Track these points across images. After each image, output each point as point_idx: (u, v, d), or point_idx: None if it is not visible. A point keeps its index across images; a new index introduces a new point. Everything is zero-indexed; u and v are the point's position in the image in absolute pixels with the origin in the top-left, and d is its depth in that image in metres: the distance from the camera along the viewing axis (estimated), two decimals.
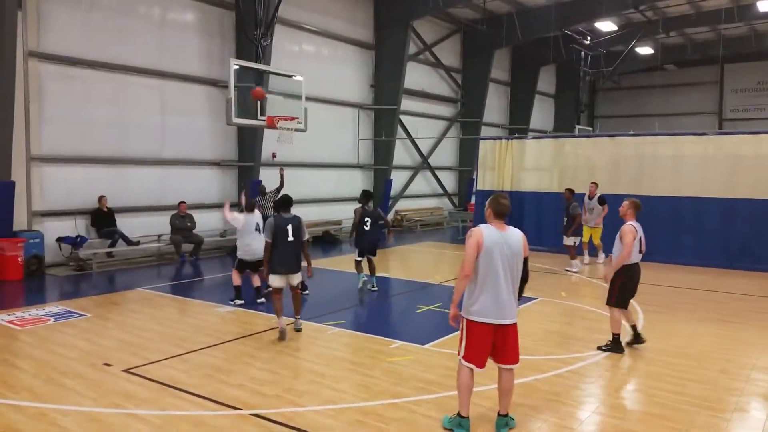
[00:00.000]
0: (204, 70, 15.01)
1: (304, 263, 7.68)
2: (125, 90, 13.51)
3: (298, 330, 7.80)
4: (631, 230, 6.86)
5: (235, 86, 11.60)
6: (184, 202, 13.96)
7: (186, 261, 13.72)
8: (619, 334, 7.03)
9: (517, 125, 27.74)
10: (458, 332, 4.89)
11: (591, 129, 31.63)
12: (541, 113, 30.40)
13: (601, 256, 13.47)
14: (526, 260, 4.84)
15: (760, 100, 30.56)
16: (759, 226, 13.28)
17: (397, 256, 15.51)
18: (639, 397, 5.86)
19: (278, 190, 12.74)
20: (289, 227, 7.43)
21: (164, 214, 13.88)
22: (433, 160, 23.81)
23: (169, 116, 14.39)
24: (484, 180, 17.50)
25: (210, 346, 7.19)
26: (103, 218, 12.97)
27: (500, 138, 18.04)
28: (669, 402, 5.59)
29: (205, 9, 14.94)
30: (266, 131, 15.03)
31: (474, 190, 20.10)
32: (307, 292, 9.94)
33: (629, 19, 24.12)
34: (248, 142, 15.77)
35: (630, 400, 5.84)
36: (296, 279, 7.61)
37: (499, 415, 4.92)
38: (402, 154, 22.02)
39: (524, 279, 4.89)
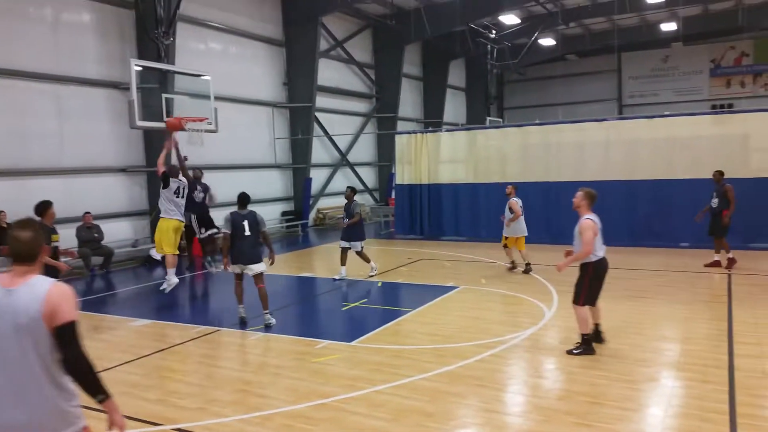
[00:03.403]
0: (103, 72, 14.21)
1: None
2: (18, 96, 12.59)
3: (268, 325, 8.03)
4: (591, 226, 6.30)
5: (137, 88, 11.08)
6: (89, 213, 13.19)
7: (96, 274, 13.00)
8: (588, 334, 6.50)
9: (431, 119, 28.18)
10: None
11: (501, 120, 32.58)
12: (454, 106, 30.98)
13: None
14: (66, 332, 2.63)
15: (655, 86, 32.52)
16: (658, 205, 14.10)
17: (320, 254, 15.40)
18: (558, 376, 6.09)
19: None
20: (245, 223, 7.92)
21: (70, 227, 13.05)
22: (351, 157, 23.78)
23: (66, 122, 13.53)
24: (403, 174, 17.69)
25: (126, 363, 6.84)
26: None
27: (415, 132, 18.27)
28: (585, 378, 5.84)
29: (102, 9, 14.13)
30: (176, 134, 14.42)
31: (394, 184, 20.23)
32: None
33: (531, 11, 25.05)
34: (156, 146, 15.05)
35: (550, 380, 6.06)
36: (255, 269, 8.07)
37: None
38: (320, 151, 21.85)
39: (76, 371, 2.71)
